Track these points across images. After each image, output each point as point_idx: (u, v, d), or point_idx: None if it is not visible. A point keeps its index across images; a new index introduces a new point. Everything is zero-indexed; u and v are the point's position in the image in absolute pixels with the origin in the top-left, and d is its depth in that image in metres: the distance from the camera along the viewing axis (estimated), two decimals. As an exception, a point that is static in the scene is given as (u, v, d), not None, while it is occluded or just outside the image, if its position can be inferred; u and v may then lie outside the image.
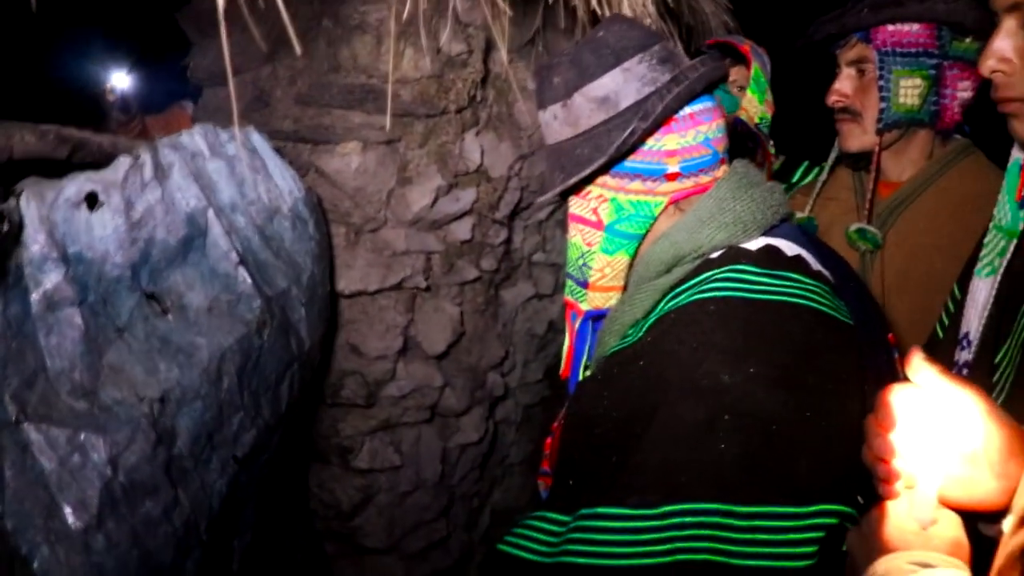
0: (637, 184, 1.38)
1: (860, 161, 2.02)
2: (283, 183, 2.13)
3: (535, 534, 1.41)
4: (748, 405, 1.20)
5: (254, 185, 2.02)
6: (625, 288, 1.47)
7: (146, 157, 1.73)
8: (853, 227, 1.96)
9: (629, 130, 1.32)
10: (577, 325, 1.50)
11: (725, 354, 1.23)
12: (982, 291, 1.48)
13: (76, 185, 1.60)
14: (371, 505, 2.53)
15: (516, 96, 2.71)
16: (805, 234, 1.45)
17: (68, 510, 1.48)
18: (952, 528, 0.96)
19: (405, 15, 2.22)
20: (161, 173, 1.77)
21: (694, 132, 1.37)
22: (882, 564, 0.91)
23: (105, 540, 1.51)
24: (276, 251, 2.07)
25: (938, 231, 1.89)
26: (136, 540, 1.56)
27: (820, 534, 1.17)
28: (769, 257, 1.34)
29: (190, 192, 1.82)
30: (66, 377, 1.56)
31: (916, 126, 1.94)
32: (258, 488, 2.00)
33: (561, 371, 1.57)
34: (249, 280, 1.89)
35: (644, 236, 1.42)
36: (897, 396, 1.03)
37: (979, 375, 1.43)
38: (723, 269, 1.31)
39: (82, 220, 1.61)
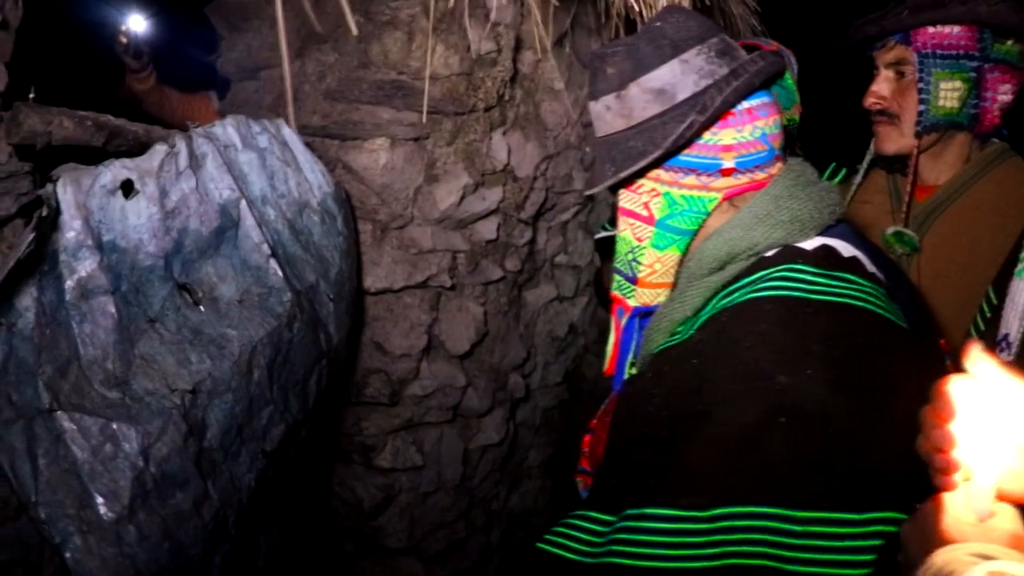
0: (691, 179, 1.37)
1: (895, 164, 2.00)
2: (312, 177, 2.11)
3: (578, 533, 1.38)
4: (805, 407, 1.17)
5: (284, 178, 2.01)
6: (674, 285, 1.45)
7: (181, 146, 1.72)
8: (890, 230, 1.94)
9: (687, 123, 1.30)
10: (624, 322, 1.47)
11: (782, 354, 1.21)
12: (1022, 293, 1.47)
13: (112, 172, 1.58)
14: (393, 505, 2.51)
15: (543, 96, 2.70)
16: (859, 235, 1.43)
17: (100, 500, 1.46)
18: (1010, 520, 0.94)
19: (437, 12, 2.22)
20: (195, 163, 1.75)
21: (751, 127, 1.35)
22: (941, 556, 0.88)
23: (137, 532, 1.49)
24: (305, 245, 2.05)
25: (975, 235, 1.87)
26: (167, 532, 1.54)
27: (879, 542, 1.14)
28: (826, 257, 1.32)
29: (223, 183, 1.80)
30: (99, 366, 1.54)
31: (954, 129, 1.92)
32: (285, 483, 1.98)
33: (605, 368, 1.55)
34: (280, 273, 1.88)
35: (696, 232, 1.40)
36: (955, 387, 1.01)
37: (1020, 376, 1.42)
38: (779, 268, 1.30)
39: (117, 208, 1.60)
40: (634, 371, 1.51)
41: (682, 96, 1.34)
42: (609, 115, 1.39)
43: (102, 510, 1.45)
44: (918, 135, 1.91)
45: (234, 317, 1.78)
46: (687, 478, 1.22)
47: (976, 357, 1.00)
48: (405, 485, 2.52)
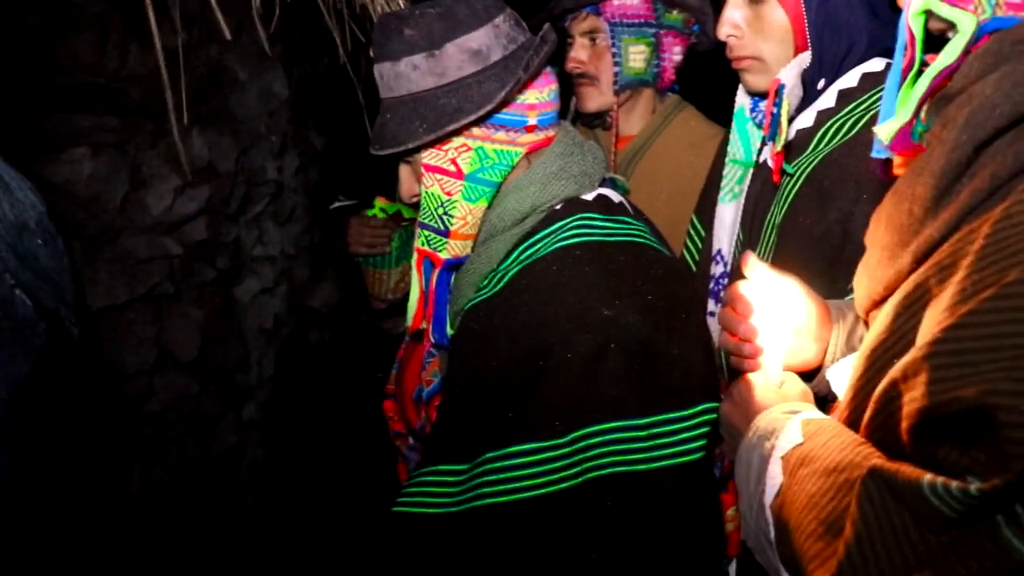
0: (502, 135, 1.47)
1: (595, 120, 2.31)
2: (24, 196, 1.90)
3: (433, 488, 1.47)
4: (629, 333, 1.38)
5: (-1, 200, 1.81)
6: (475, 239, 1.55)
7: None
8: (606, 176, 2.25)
9: (514, 81, 1.41)
10: (436, 275, 1.54)
11: (601, 291, 1.40)
12: (728, 214, 1.82)
13: None
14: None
15: (230, 89, 2.65)
16: (614, 183, 1.67)
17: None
18: (798, 383, 1.23)
19: (128, 8, 2.11)
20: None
21: (548, 89, 1.51)
22: (762, 418, 1.12)
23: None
24: (36, 271, 1.86)
25: (669, 172, 2.23)
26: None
27: (707, 429, 1.40)
28: (605, 205, 1.52)
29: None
30: None
31: (642, 86, 2.26)
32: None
33: (410, 324, 1.60)
34: (30, 303, 1.70)
35: (501, 185, 1.50)
36: (744, 289, 1.29)
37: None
38: (575, 217, 1.47)
39: None
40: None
41: (495, 58, 1.43)
42: (416, 74, 1.42)
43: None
44: (616, 93, 2.23)
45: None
46: (544, 412, 1.38)
47: (753, 264, 1.29)
48: (159, 509, 2.39)
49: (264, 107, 2.80)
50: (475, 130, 1.46)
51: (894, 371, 0.83)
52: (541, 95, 1.49)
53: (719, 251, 1.85)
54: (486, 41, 1.43)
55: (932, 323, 0.82)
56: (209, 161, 2.48)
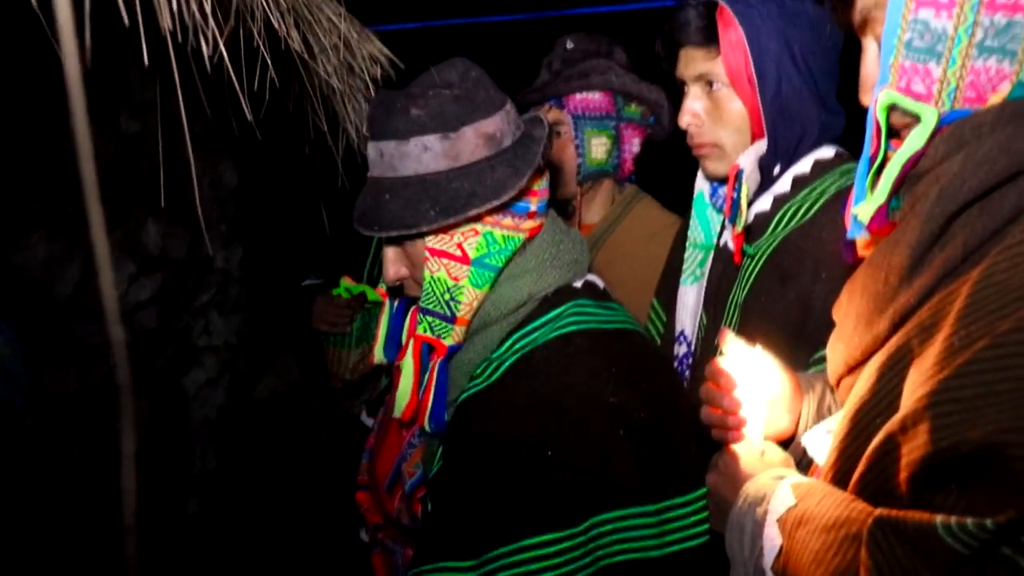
0: (508, 220, 1.45)
1: (555, 208, 2.38)
2: (-21, 281, 1.88)
3: None
4: (634, 419, 1.39)
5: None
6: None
7: None
8: None
9: (532, 168, 1.41)
10: (438, 363, 1.50)
11: (605, 379, 1.40)
12: (691, 296, 1.89)
13: None
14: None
15: (182, 176, 2.66)
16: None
17: None
18: (779, 451, 1.28)
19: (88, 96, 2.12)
20: None
21: (545, 178, 1.52)
22: (751, 485, 1.17)
23: None
24: (-8, 357, 1.82)
25: (628, 261, 2.29)
26: None
27: (706, 513, 1.39)
28: (594, 292, 1.54)
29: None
30: None
31: (603, 176, 2.35)
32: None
33: (402, 413, 1.54)
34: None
35: (502, 270, 1.47)
36: (726, 365, 1.34)
37: (702, 361, 1.83)
38: (568, 306, 1.47)
39: None
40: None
41: (506, 143, 1.44)
42: (427, 155, 1.39)
43: None
44: (579, 183, 2.30)
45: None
46: (558, 501, 1.35)
47: (731, 339, 1.35)
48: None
49: (215, 195, 2.81)
50: (486, 215, 1.44)
51: (891, 425, 0.89)
52: (541, 182, 1.51)
53: (682, 332, 1.90)
54: (500, 127, 1.43)
55: (922, 378, 0.88)
56: (162, 249, 2.47)
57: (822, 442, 1.22)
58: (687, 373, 1.82)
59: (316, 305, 2.34)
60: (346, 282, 2.36)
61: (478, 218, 1.43)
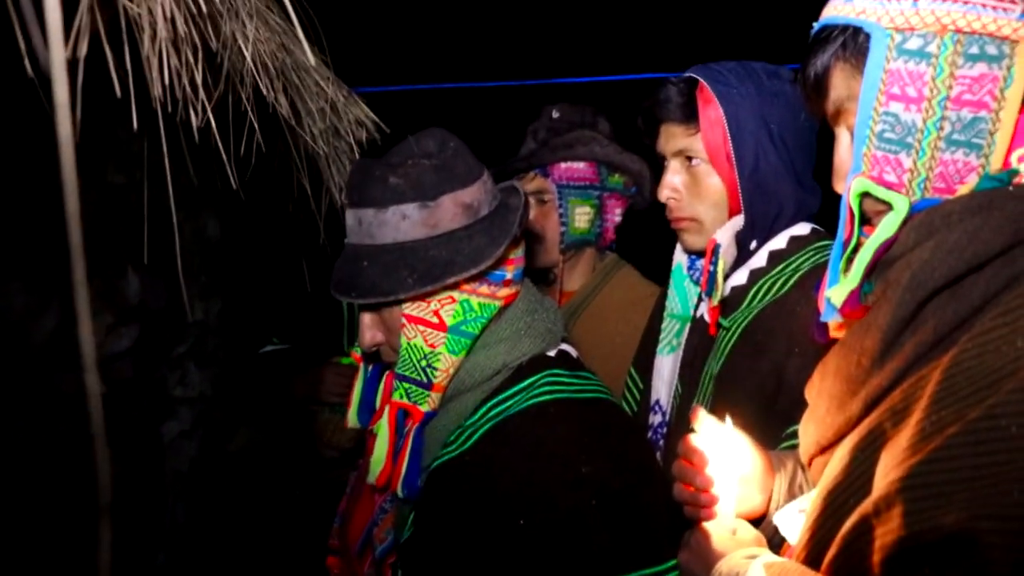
0: (485, 288, 1.46)
1: (537, 275, 2.39)
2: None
3: None
4: (607, 489, 1.39)
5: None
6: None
7: None
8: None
9: (509, 238, 1.43)
10: (414, 429, 1.50)
11: (578, 448, 1.41)
12: (666, 366, 1.90)
13: None
14: None
15: (163, 228, 2.66)
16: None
17: None
18: (750, 529, 1.28)
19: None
20: None
21: (521, 246, 1.54)
22: (724, 564, 1.17)
23: None
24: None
25: (607, 329, 2.31)
26: None
27: None
28: (567, 361, 1.55)
29: None
30: None
31: (585, 245, 2.37)
32: None
33: (376, 479, 1.54)
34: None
35: (478, 337, 1.48)
36: (697, 442, 1.35)
37: (677, 431, 1.84)
38: (543, 375, 1.48)
39: None
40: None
41: (483, 212, 1.46)
42: (406, 223, 1.41)
43: None
44: (562, 252, 2.32)
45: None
46: (530, 571, 1.35)
47: (703, 417, 1.36)
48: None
49: (197, 247, 2.81)
50: (464, 284, 1.45)
51: (864, 507, 0.90)
52: (517, 251, 1.52)
53: (657, 401, 1.90)
54: (478, 196, 1.45)
55: (894, 461, 0.89)
56: (142, 300, 2.46)
57: (794, 521, 1.23)
58: (661, 442, 1.83)
59: (326, 375, 2.32)
60: (354, 357, 2.33)
61: (455, 286, 1.44)
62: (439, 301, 1.45)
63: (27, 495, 2.05)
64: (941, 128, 0.99)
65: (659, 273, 2.07)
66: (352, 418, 1.68)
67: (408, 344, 1.46)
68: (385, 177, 1.42)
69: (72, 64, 1.01)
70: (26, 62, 0.92)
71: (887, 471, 0.90)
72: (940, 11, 0.98)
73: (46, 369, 2.17)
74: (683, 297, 1.89)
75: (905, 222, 1.02)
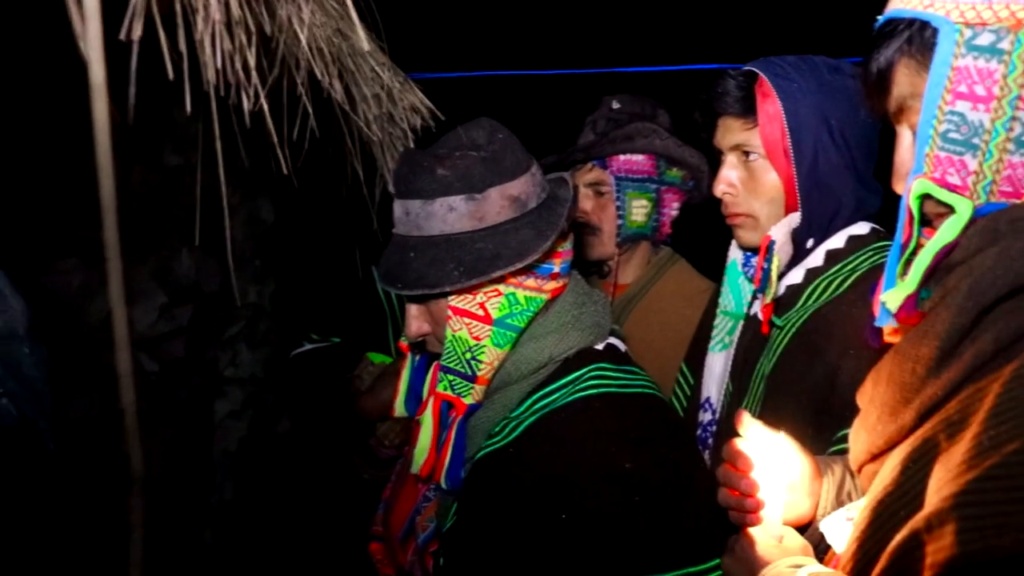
0: (531, 281, 1.46)
1: (592, 267, 2.37)
2: (15, 303, 1.91)
3: None
4: (651, 485, 1.37)
5: (-13, 307, 1.80)
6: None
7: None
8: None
9: (557, 231, 1.42)
10: (457, 421, 1.50)
11: (621, 444, 1.39)
12: (718, 363, 1.86)
13: None
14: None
15: (218, 211, 2.70)
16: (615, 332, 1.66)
17: None
18: (797, 537, 1.25)
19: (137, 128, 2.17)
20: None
21: (570, 239, 1.52)
22: (769, 572, 1.14)
23: None
24: (20, 380, 1.84)
25: (661, 322, 2.28)
26: None
27: None
28: (614, 355, 1.53)
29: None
30: None
31: (641, 239, 2.34)
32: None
33: (419, 470, 1.54)
34: (16, 413, 1.68)
35: (524, 330, 1.48)
36: (744, 446, 1.32)
37: (726, 430, 1.81)
38: (589, 368, 1.47)
39: None
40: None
41: (531, 206, 1.45)
42: (453, 215, 1.40)
43: None
44: (618, 244, 2.30)
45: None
46: (572, 565, 1.34)
47: (748, 422, 1.33)
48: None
49: (251, 231, 2.85)
50: (510, 276, 1.44)
51: (915, 522, 0.86)
52: (565, 244, 1.51)
53: (707, 399, 1.87)
54: (525, 189, 1.45)
55: (948, 476, 0.85)
56: (195, 281, 2.50)
57: (841, 529, 1.19)
58: (710, 440, 1.80)
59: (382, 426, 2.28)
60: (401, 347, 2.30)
61: (501, 279, 1.44)
62: (485, 294, 1.45)
63: (81, 473, 2.09)
64: (1011, 129, 0.94)
65: (714, 269, 2.04)
66: (399, 407, 1.68)
67: (453, 336, 1.46)
68: (433, 168, 1.41)
69: (126, 46, 1.01)
70: (80, 44, 0.93)
71: (940, 486, 0.87)
72: (1015, 5, 0.93)
73: (99, 346, 2.21)
74: (737, 294, 1.86)
75: (968, 227, 0.98)
